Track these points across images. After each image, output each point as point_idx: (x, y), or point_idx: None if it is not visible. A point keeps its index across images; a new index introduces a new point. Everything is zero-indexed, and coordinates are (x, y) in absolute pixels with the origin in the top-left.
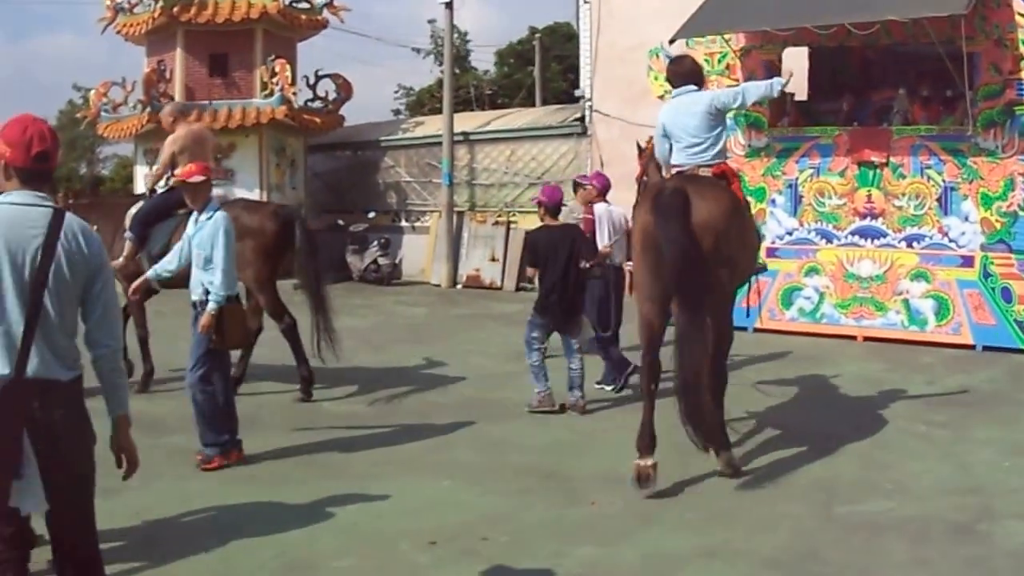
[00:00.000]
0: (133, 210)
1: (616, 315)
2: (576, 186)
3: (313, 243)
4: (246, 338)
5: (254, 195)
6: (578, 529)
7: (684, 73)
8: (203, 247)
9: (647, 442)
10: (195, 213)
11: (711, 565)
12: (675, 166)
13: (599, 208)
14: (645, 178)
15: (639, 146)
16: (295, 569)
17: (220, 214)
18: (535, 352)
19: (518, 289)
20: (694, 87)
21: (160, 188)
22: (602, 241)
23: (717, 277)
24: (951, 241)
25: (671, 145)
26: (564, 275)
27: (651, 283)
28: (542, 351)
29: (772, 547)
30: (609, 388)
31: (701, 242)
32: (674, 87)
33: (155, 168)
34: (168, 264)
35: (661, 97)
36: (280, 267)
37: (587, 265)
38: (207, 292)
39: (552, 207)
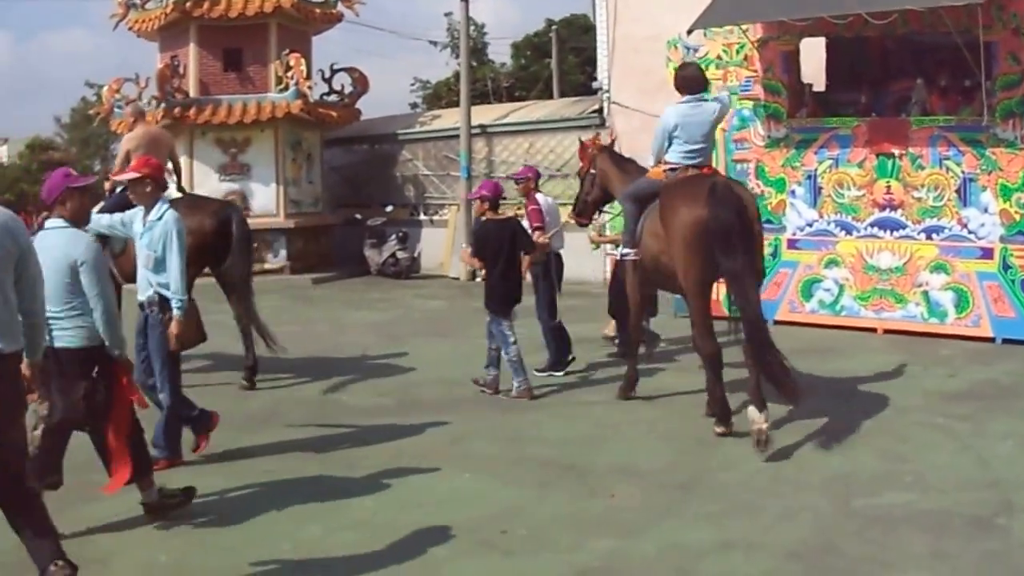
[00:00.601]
0: (95, 210)
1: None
2: (517, 181)
3: (248, 240)
4: (202, 337)
5: (271, 189)
6: (596, 522)
7: (694, 80)
8: (153, 248)
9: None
10: (143, 212)
11: (730, 557)
12: (669, 163)
13: (541, 199)
14: (592, 171)
15: (582, 143)
16: (311, 563)
17: (170, 214)
18: (513, 347)
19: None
20: (703, 94)
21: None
22: (550, 230)
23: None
24: (970, 233)
25: (669, 143)
26: (509, 266)
27: (704, 271)
28: (516, 344)
29: (791, 540)
30: (559, 374)
31: (754, 230)
32: (683, 93)
33: (114, 167)
34: (99, 220)
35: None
36: (214, 264)
37: (529, 255)
38: (158, 294)
39: (494, 201)
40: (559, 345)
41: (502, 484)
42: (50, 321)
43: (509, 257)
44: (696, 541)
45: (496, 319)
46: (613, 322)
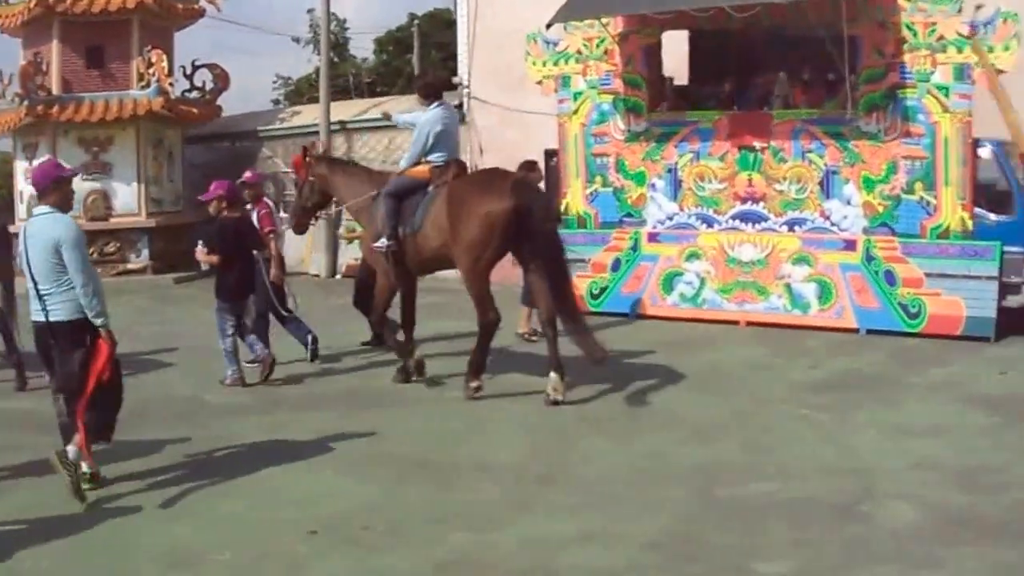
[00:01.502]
0: None
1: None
2: (243, 185)
3: (8, 242)
4: None
5: (132, 188)
6: (455, 516)
7: (443, 85)
8: None
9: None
10: None
11: (588, 549)
12: (432, 162)
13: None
14: (311, 179)
15: (305, 150)
16: (181, 563)
17: None
18: (228, 339)
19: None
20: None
21: None
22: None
23: None
24: (833, 225)
25: (432, 144)
26: (240, 262)
27: (499, 252)
28: (234, 337)
29: (652, 531)
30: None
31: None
32: (433, 99)
33: None
34: None
35: (539, 83)
36: None
37: (262, 252)
38: None
39: (233, 199)
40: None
41: (363, 480)
42: (44, 297)
43: (241, 253)
44: (555, 533)
45: (221, 311)
46: (525, 317)
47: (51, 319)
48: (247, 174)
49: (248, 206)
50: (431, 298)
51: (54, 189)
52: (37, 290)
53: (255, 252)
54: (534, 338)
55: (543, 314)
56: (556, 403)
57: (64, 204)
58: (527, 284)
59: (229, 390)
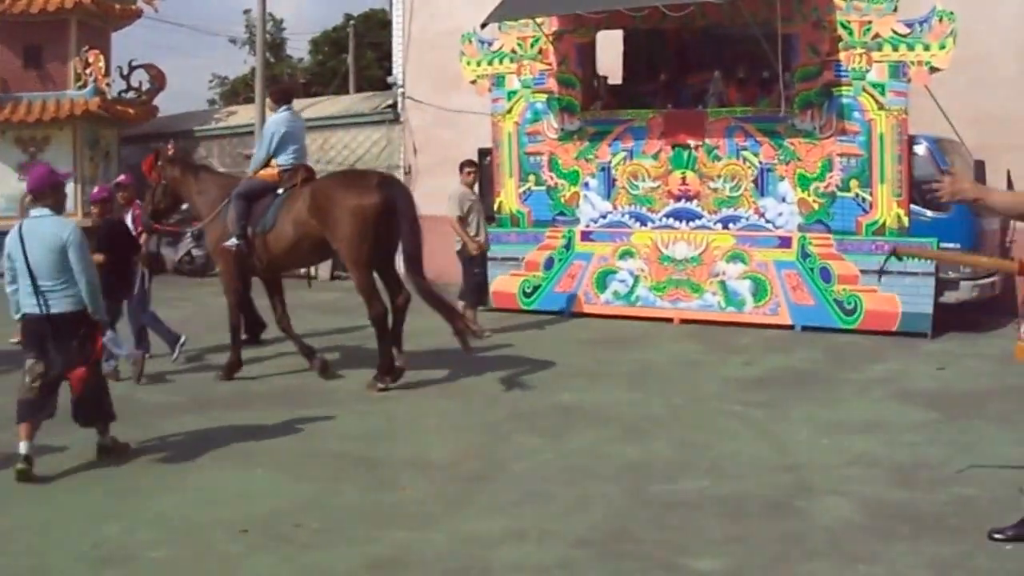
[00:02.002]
0: None
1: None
2: (118, 187)
3: None
4: None
5: (69, 189)
6: (389, 514)
7: (291, 92)
8: None
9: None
10: None
11: (521, 546)
12: (281, 165)
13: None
14: (163, 182)
15: (156, 152)
16: (112, 561)
17: None
18: (109, 332)
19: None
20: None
21: None
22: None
23: None
24: (768, 222)
25: (278, 148)
26: (118, 262)
27: (372, 252)
28: (116, 333)
29: (584, 527)
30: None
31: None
32: (281, 103)
33: None
34: None
35: (473, 82)
36: None
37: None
38: None
39: (108, 202)
40: (168, 335)
41: (295, 479)
42: (43, 293)
43: (119, 254)
44: (488, 531)
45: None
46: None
47: (51, 312)
48: (121, 176)
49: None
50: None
51: (51, 193)
52: (36, 286)
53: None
54: (486, 334)
55: (399, 300)
56: (384, 390)
57: (59, 206)
58: (476, 284)
59: (162, 389)
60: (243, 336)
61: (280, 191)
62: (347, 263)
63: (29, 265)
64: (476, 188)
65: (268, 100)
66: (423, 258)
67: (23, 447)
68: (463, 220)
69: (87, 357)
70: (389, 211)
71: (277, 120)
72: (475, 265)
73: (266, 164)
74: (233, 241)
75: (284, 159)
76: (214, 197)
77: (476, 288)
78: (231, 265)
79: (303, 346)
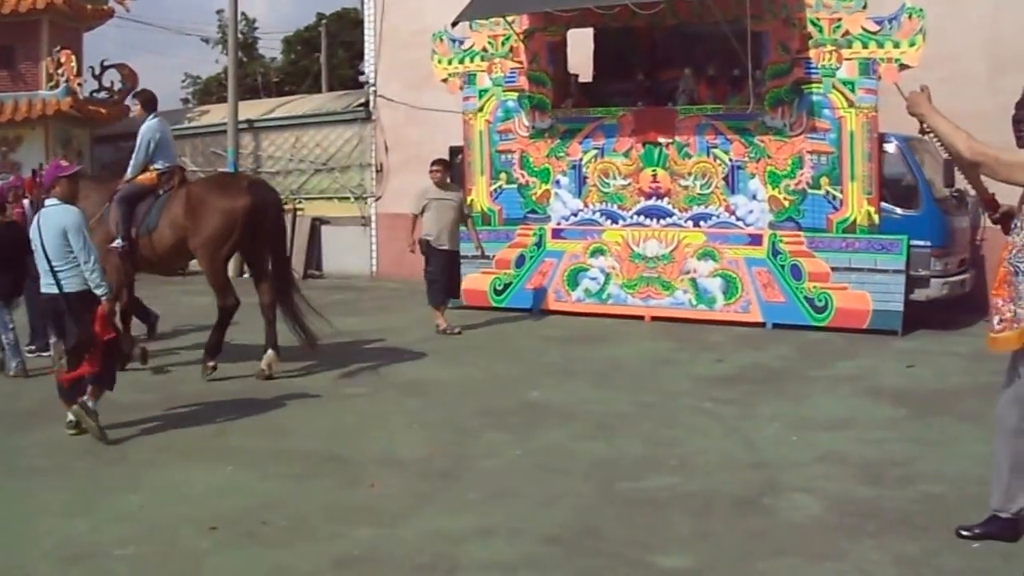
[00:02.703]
0: None
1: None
2: (9, 189)
3: None
4: None
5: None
6: (356, 511)
7: (156, 100)
8: None
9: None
10: None
11: (489, 543)
12: (158, 168)
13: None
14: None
15: (34, 172)
16: (79, 559)
17: None
18: (10, 332)
19: (305, 276)
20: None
21: None
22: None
23: None
24: (738, 220)
25: (154, 152)
26: (10, 263)
27: (239, 244)
28: (15, 330)
29: (552, 524)
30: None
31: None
32: (151, 110)
33: None
34: None
35: (445, 80)
36: None
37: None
38: None
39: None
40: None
41: (264, 476)
42: (57, 273)
43: (10, 255)
44: (456, 528)
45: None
46: (440, 314)
47: (64, 290)
48: (11, 178)
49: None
50: (339, 295)
51: (56, 184)
52: (51, 267)
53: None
54: (456, 331)
55: (265, 298)
56: (269, 378)
57: (68, 196)
58: (438, 283)
59: (131, 387)
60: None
61: (160, 193)
62: (204, 259)
63: (44, 248)
64: (454, 186)
65: (137, 107)
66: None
67: (71, 415)
68: (416, 218)
69: (100, 330)
70: (258, 213)
71: (151, 127)
72: (429, 263)
73: (144, 169)
74: (118, 242)
75: (159, 163)
76: (95, 202)
77: (432, 286)
78: (119, 265)
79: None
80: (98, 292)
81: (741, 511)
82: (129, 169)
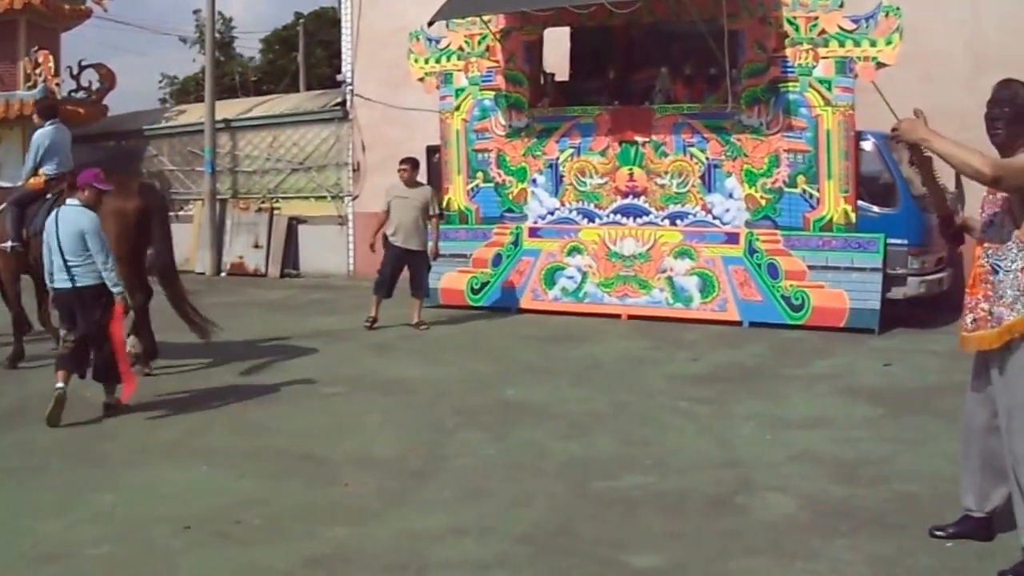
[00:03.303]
0: None
1: None
2: None
3: None
4: None
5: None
6: (330, 510)
7: (54, 108)
8: None
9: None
10: None
11: (462, 542)
12: (47, 175)
13: None
14: None
15: None
16: (53, 558)
17: None
18: None
19: (282, 276)
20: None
21: None
22: None
23: None
24: (715, 218)
25: (43, 159)
26: None
27: (139, 241)
28: None
29: (525, 523)
30: None
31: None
32: (47, 119)
33: None
34: None
35: (421, 79)
36: None
37: None
38: None
39: None
40: None
41: (239, 475)
42: (71, 268)
43: None
44: (429, 527)
45: None
46: (416, 308)
47: (77, 285)
48: None
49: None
50: (317, 294)
51: (86, 189)
52: (65, 263)
53: None
54: (424, 327)
55: (142, 297)
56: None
57: (91, 204)
58: (383, 276)
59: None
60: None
61: (48, 197)
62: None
63: (60, 244)
64: (422, 185)
65: (35, 116)
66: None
67: (59, 385)
68: (382, 215)
69: (107, 323)
70: (146, 215)
71: (42, 134)
72: (385, 257)
73: (34, 174)
74: (9, 244)
75: (49, 168)
76: None
77: (378, 277)
78: (9, 265)
79: (56, 340)
80: (114, 291)
81: (714, 510)
82: (22, 173)
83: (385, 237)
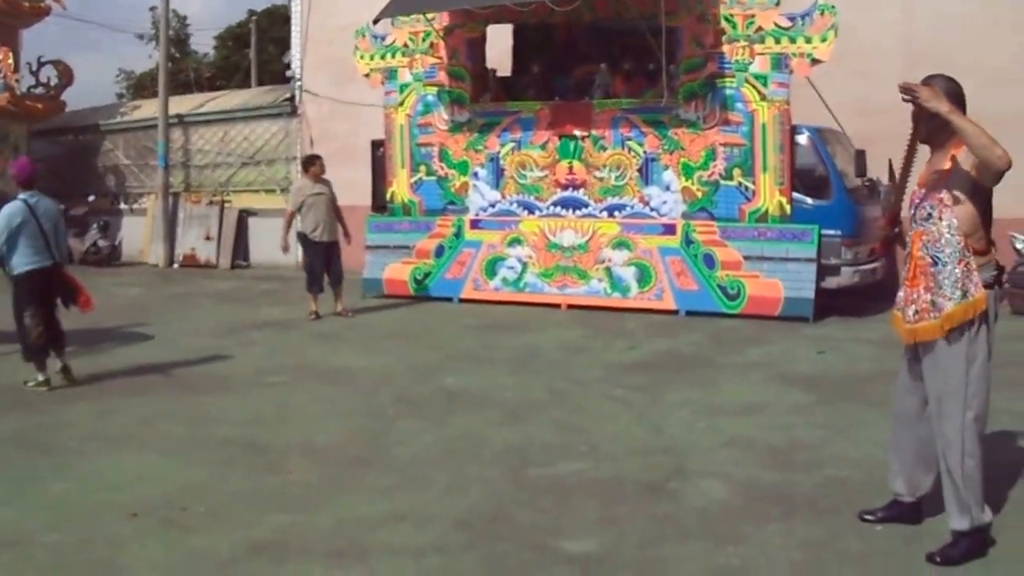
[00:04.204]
0: None
1: None
2: None
3: None
4: None
5: None
6: (274, 497)
7: None
8: None
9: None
10: None
11: (400, 528)
12: None
13: None
14: None
15: None
16: (4, 546)
17: None
18: None
19: (233, 267)
20: None
21: None
22: None
23: None
24: (652, 210)
25: None
26: None
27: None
28: None
29: (462, 510)
30: None
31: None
32: None
33: None
34: None
35: (367, 75)
36: None
37: None
38: None
39: None
40: None
41: (186, 463)
42: (52, 248)
43: None
44: (369, 514)
45: None
46: (313, 300)
47: (56, 260)
48: None
49: None
50: (266, 285)
51: (38, 178)
52: (48, 243)
53: None
54: (350, 314)
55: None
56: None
57: (45, 188)
58: (314, 274)
59: (61, 376)
60: None
61: None
62: None
63: (44, 229)
64: (327, 180)
65: None
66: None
67: (40, 377)
68: (294, 214)
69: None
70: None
71: None
72: (308, 255)
73: None
74: None
75: None
76: None
77: (309, 275)
78: None
79: None
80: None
81: (648, 496)
82: None
83: (304, 236)
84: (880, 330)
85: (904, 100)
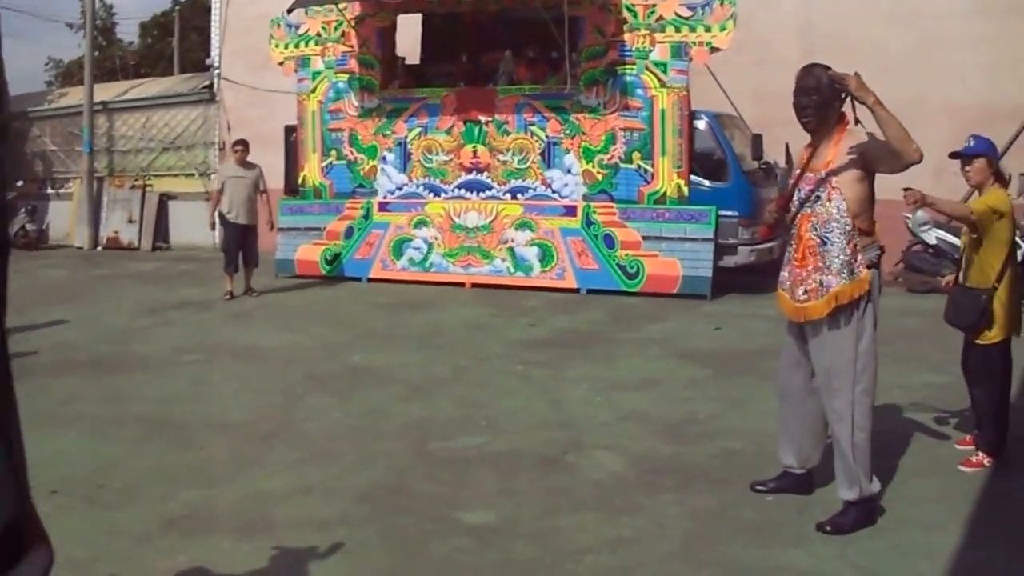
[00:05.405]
0: None
1: None
2: None
3: None
4: None
5: None
6: (186, 473)
7: None
8: None
9: None
10: None
11: (306, 501)
12: None
13: None
14: None
15: None
16: None
17: None
18: None
19: (154, 249)
20: None
21: None
22: None
23: None
24: (554, 192)
25: None
26: None
27: None
28: None
29: (365, 483)
30: None
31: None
32: None
33: None
34: None
35: (281, 63)
36: None
37: None
38: None
39: None
40: None
41: (105, 441)
42: None
43: None
44: (276, 488)
45: None
46: (243, 277)
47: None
48: None
49: None
50: (185, 266)
51: None
52: None
53: None
54: (255, 293)
55: None
56: None
57: None
58: (229, 254)
59: None
60: None
61: None
62: None
63: None
64: (254, 165)
65: None
66: None
67: None
68: (219, 194)
69: None
70: None
71: None
72: (225, 235)
73: None
74: None
75: None
76: None
77: (226, 255)
78: None
79: None
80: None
81: (545, 469)
82: None
83: (222, 215)
84: (775, 307)
85: (835, 88)
